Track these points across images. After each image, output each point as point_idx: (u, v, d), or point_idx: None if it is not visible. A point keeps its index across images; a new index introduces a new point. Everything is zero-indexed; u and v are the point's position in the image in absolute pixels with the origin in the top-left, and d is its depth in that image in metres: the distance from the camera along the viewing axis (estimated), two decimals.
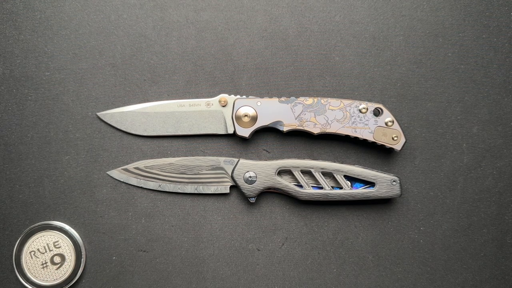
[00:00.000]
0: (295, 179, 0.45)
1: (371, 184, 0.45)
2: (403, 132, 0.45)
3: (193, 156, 0.47)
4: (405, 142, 0.45)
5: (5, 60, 0.47)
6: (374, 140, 0.45)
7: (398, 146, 0.45)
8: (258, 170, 0.44)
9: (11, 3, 0.47)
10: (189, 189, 0.45)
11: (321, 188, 0.45)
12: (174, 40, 0.47)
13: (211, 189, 0.45)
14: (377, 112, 0.45)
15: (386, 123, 0.45)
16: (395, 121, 0.45)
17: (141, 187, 0.46)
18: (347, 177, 0.45)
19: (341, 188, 0.45)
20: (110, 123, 0.46)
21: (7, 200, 0.46)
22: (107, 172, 0.46)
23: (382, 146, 0.45)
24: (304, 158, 0.46)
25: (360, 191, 0.45)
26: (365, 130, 0.45)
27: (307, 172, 0.45)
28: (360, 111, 0.45)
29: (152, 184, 0.46)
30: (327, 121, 0.45)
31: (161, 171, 0.45)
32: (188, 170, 0.45)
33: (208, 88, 0.47)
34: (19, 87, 0.47)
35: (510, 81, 0.47)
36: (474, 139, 0.47)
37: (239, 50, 0.47)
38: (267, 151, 0.47)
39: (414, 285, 0.46)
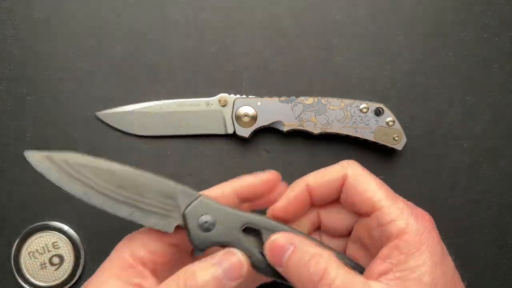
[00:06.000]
0: (261, 245, 0.33)
1: None
2: (404, 132, 0.45)
3: (192, 158, 0.46)
4: (406, 142, 0.45)
5: (4, 59, 0.47)
6: (375, 140, 0.45)
7: (399, 146, 0.45)
8: (220, 217, 0.33)
9: (10, 2, 0.47)
10: (122, 211, 0.33)
11: None
12: (174, 39, 0.47)
13: (150, 222, 0.33)
14: (378, 112, 0.45)
15: (387, 123, 0.45)
16: (396, 121, 0.45)
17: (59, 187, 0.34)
18: None
19: None
20: (109, 123, 0.46)
21: (5, 200, 0.46)
22: (24, 153, 0.34)
23: (383, 146, 0.45)
24: (304, 158, 0.46)
25: None
26: (366, 130, 0.45)
27: None
28: (361, 111, 0.45)
29: (75, 189, 0.33)
30: (327, 121, 0.45)
31: (95, 177, 0.33)
32: (131, 187, 0.33)
33: (208, 87, 0.47)
34: (18, 87, 0.47)
35: (511, 80, 0.47)
36: (475, 139, 0.47)
37: (239, 50, 0.47)
38: (267, 151, 0.47)
39: None
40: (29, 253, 0.45)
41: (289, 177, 0.47)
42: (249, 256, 0.32)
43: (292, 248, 0.31)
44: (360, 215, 0.35)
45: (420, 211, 0.33)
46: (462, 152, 0.47)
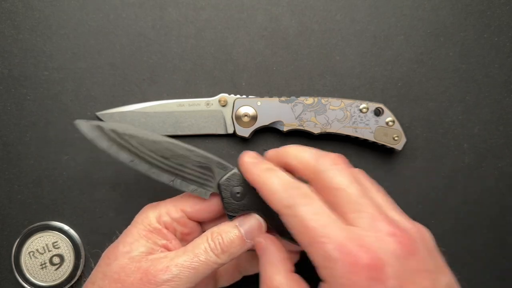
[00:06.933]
0: None
1: None
2: (404, 132, 0.45)
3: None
4: (406, 142, 0.45)
5: (3, 59, 0.47)
6: (374, 140, 0.45)
7: (399, 146, 0.45)
8: (250, 189, 0.36)
9: (10, 2, 0.47)
10: (165, 178, 0.37)
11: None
12: (174, 39, 0.47)
13: (189, 188, 0.37)
14: (378, 112, 0.45)
15: (387, 123, 0.45)
16: (396, 121, 0.45)
17: (108, 154, 0.37)
18: None
19: None
20: None
21: (5, 200, 0.46)
22: (75, 121, 0.37)
23: (383, 146, 0.45)
24: None
25: None
26: (366, 130, 0.45)
27: None
28: (361, 111, 0.45)
29: (123, 156, 0.37)
30: (327, 121, 0.45)
31: (141, 146, 0.37)
32: (172, 157, 0.37)
33: (208, 87, 0.47)
34: (18, 86, 0.47)
35: (511, 80, 0.47)
36: (475, 139, 0.47)
37: (239, 50, 0.47)
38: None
39: None
40: (29, 253, 0.45)
41: None
42: (275, 221, 0.35)
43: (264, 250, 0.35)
44: None
45: (352, 254, 0.28)
46: (462, 152, 0.47)
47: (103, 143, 0.37)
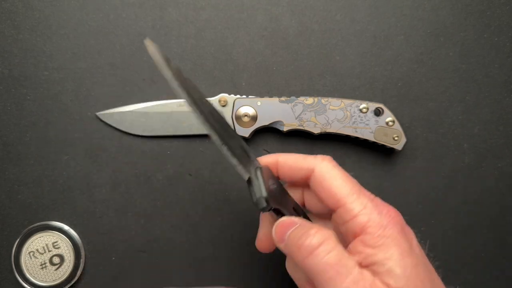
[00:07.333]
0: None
1: None
2: (404, 132, 0.45)
3: (192, 158, 0.46)
4: (406, 142, 0.45)
5: (3, 59, 0.47)
6: (374, 140, 0.45)
7: (399, 146, 0.45)
8: (278, 190, 0.35)
9: (10, 2, 0.47)
10: (207, 127, 0.33)
11: None
12: (174, 39, 0.47)
13: (231, 159, 0.33)
14: (378, 112, 0.45)
15: (387, 123, 0.45)
16: (396, 121, 0.45)
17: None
18: None
19: None
20: (109, 123, 0.46)
21: (6, 200, 0.46)
22: (145, 40, 0.33)
23: (383, 146, 0.45)
24: None
25: None
26: (366, 130, 0.45)
27: None
28: (361, 111, 0.45)
29: (181, 93, 0.34)
30: (327, 121, 0.45)
31: (194, 92, 0.34)
32: (221, 125, 0.34)
33: (208, 87, 0.47)
34: (18, 86, 0.47)
35: (511, 80, 0.47)
36: (475, 139, 0.47)
37: (239, 50, 0.47)
38: (267, 151, 0.47)
39: None
40: (29, 253, 0.45)
41: None
42: None
43: (297, 225, 0.33)
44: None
45: (385, 207, 0.32)
46: (462, 152, 0.47)
47: (165, 73, 0.33)
